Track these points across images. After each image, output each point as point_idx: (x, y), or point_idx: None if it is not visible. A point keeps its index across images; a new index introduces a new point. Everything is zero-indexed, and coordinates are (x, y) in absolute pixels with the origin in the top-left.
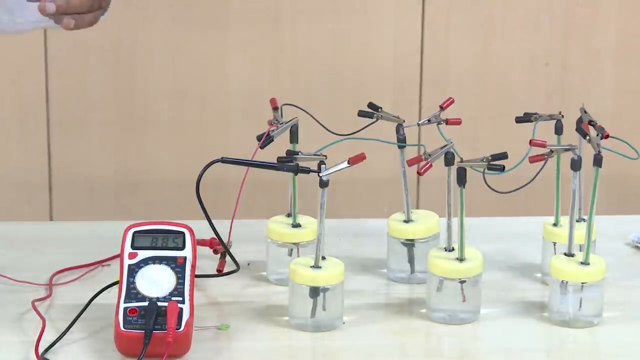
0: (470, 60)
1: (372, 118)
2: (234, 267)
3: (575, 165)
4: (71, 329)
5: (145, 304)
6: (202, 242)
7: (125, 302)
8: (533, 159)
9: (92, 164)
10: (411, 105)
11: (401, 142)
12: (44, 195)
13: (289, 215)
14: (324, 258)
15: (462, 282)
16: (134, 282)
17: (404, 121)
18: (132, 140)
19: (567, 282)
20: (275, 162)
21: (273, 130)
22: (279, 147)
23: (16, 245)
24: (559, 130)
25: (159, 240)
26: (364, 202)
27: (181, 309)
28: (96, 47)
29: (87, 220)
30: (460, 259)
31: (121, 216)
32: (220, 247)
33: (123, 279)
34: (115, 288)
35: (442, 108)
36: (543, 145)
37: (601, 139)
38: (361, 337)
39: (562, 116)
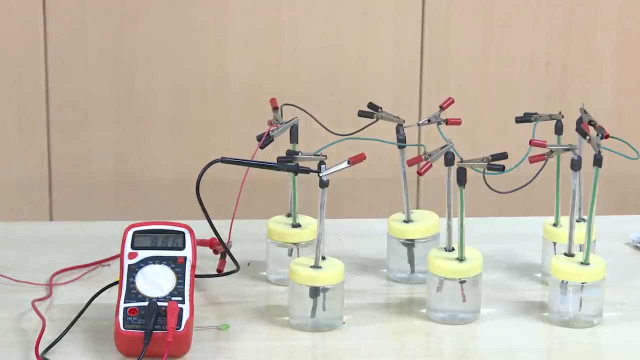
0: (470, 60)
1: (372, 118)
2: (234, 267)
3: (575, 165)
4: (71, 329)
5: (145, 304)
6: (202, 242)
7: (125, 302)
8: (533, 159)
9: (92, 164)
10: (411, 105)
11: (401, 142)
12: (44, 195)
13: (289, 215)
14: (324, 258)
15: (462, 282)
16: (134, 282)
17: (404, 121)
18: (132, 140)
19: (567, 282)
20: (275, 162)
21: (273, 130)
22: (279, 147)
23: (16, 245)
24: (559, 130)
25: (159, 240)
26: (364, 202)
27: (181, 309)
28: (96, 47)
29: (87, 220)
30: (460, 259)
31: (121, 216)
32: (220, 247)
33: (123, 279)
34: (115, 288)
35: (442, 108)
36: (543, 145)
37: (601, 139)
38: (361, 337)
39: (562, 116)
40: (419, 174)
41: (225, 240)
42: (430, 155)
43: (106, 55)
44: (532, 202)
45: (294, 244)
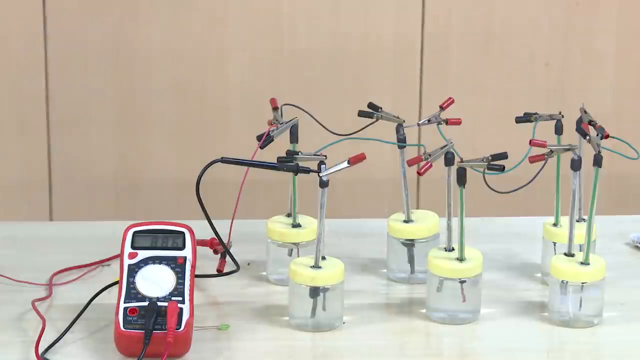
0: (470, 60)
1: (372, 118)
2: (234, 267)
3: (575, 165)
4: (71, 329)
5: (145, 304)
6: (202, 242)
7: (125, 302)
8: (533, 159)
9: (92, 164)
10: (411, 105)
11: (401, 142)
12: (44, 195)
13: (289, 215)
14: (324, 258)
15: (462, 282)
16: (134, 282)
17: (404, 121)
18: (132, 140)
19: (567, 282)
20: (275, 162)
21: (273, 130)
22: (279, 147)
23: (16, 245)
24: (559, 130)
25: (159, 240)
26: (364, 202)
27: (181, 309)
28: (96, 47)
29: (87, 220)
30: (460, 259)
31: (121, 216)
32: (220, 247)
33: (123, 279)
34: (115, 288)
35: (442, 108)
36: (543, 145)
37: (601, 139)
38: (361, 337)
39: (562, 116)
40: (419, 174)
41: (225, 240)
42: (430, 155)
43: (106, 55)
44: (532, 202)
45: (294, 244)
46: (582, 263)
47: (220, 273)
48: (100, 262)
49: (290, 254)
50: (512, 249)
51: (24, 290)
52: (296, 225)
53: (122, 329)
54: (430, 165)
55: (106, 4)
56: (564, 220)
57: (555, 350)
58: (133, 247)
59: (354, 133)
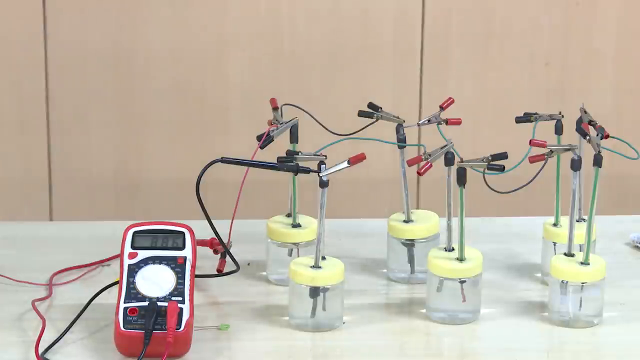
0: (471, 60)
1: (372, 118)
2: (234, 267)
3: (575, 165)
4: (71, 329)
5: (145, 304)
6: (202, 242)
7: (125, 302)
8: (533, 159)
9: (92, 164)
10: (411, 105)
11: (401, 142)
12: (44, 195)
13: (289, 215)
14: (324, 258)
15: (462, 282)
16: (134, 282)
17: (404, 121)
18: (132, 140)
19: (567, 282)
20: (275, 162)
21: (273, 130)
22: (279, 147)
23: (16, 245)
24: (559, 130)
25: (159, 240)
26: (364, 202)
27: (181, 309)
28: (96, 47)
29: (87, 220)
30: (460, 259)
31: (121, 216)
32: (220, 247)
33: (123, 279)
34: (115, 288)
35: (442, 108)
36: (543, 145)
37: (601, 139)
38: (361, 337)
39: (562, 116)
40: (419, 174)
41: (225, 240)
42: (430, 155)
43: (106, 55)
44: (532, 202)
45: (294, 244)
46: (582, 263)
47: (220, 273)
48: (100, 262)
49: (290, 254)
50: (512, 249)
51: (24, 290)
52: (296, 225)
53: (122, 329)
54: (430, 165)
55: (106, 4)
56: (564, 220)
57: (555, 350)
58: (133, 247)
59: (354, 133)
